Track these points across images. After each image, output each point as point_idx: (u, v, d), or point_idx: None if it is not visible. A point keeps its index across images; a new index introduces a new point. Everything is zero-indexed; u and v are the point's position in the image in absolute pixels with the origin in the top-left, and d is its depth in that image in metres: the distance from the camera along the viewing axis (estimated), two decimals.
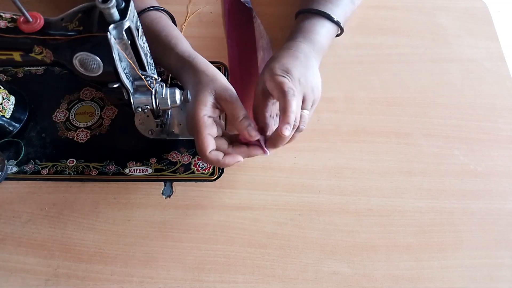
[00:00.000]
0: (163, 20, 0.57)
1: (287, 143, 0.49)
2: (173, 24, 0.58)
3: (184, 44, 0.54)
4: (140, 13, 0.56)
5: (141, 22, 0.53)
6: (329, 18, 0.57)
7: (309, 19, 0.57)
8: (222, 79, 0.50)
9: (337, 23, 0.58)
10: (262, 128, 0.51)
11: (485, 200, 0.54)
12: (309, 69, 0.51)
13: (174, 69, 0.54)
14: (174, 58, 0.53)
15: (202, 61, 0.52)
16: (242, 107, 0.48)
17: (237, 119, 0.48)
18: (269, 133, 0.50)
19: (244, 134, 0.48)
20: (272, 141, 0.49)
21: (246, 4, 0.66)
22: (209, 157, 0.47)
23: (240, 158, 0.49)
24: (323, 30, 0.56)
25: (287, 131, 0.45)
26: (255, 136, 0.48)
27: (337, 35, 0.61)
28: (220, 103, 0.49)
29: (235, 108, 0.48)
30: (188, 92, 0.51)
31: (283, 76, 0.48)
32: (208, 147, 0.47)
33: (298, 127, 0.48)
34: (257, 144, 0.49)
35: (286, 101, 0.45)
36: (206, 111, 0.48)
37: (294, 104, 0.46)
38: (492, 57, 0.65)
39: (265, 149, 0.49)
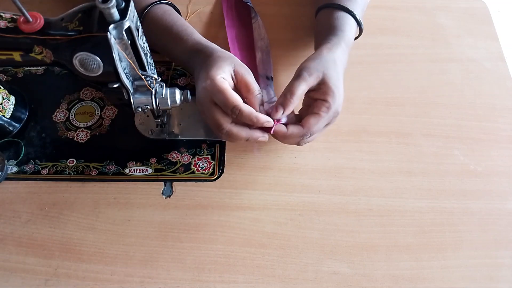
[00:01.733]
0: (175, 13, 0.58)
1: (284, 141, 0.50)
2: None
3: (199, 34, 0.55)
4: (152, 4, 0.56)
5: (152, 13, 0.53)
6: (355, 18, 0.57)
7: (338, 16, 0.56)
8: (239, 59, 0.51)
9: (359, 23, 0.57)
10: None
11: (485, 200, 0.54)
12: (339, 88, 0.50)
13: (187, 55, 0.54)
14: (190, 44, 0.53)
15: (220, 47, 0.53)
16: (257, 84, 0.50)
17: (253, 93, 0.49)
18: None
19: (256, 108, 0.49)
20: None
21: (248, 3, 0.66)
22: (242, 107, 0.46)
23: (271, 122, 0.48)
24: (353, 31, 0.56)
25: (278, 114, 0.48)
26: (266, 111, 0.49)
27: (356, 38, 0.60)
28: (237, 76, 0.49)
29: (252, 83, 0.49)
30: (188, 92, 0.51)
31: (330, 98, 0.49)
32: (238, 99, 0.47)
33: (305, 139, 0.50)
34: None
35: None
36: (225, 75, 0.48)
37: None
38: (492, 57, 0.65)
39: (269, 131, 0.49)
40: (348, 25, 0.56)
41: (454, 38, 0.67)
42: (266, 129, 0.49)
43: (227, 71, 0.48)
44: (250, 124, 0.48)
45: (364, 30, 0.59)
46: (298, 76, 0.49)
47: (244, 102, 0.48)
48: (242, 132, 0.48)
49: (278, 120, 0.49)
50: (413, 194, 0.54)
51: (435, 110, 0.60)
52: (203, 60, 0.50)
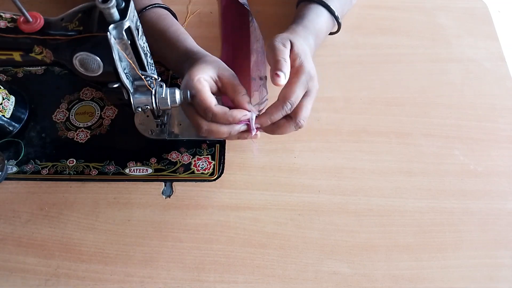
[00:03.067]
0: (170, 17, 0.58)
1: (278, 131, 0.49)
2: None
3: (192, 40, 0.56)
4: (147, 8, 0.56)
5: (147, 17, 0.53)
6: (329, 10, 0.57)
7: (309, 7, 0.57)
8: (225, 65, 0.51)
9: (336, 17, 0.58)
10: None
11: (485, 200, 0.54)
12: (307, 55, 0.50)
13: (179, 61, 0.54)
14: (182, 51, 0.54)
15: (211, 54, 0.53)
16: (242, 87, 0.50)
17: (238, 94, 0.48)
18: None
19: (244, 107, 0.48)
20: (263, 119, 0.49)
21: (245, 5, 0.66)
22: (214, 110, 0.46)
23: (248, 114, 0.48)
24: (321, 20, 0.57)
25: (281, 79, 0.46)
26: (253, 110, 0.49)
27: (333, 33, 0.61)
28: (222, 80, 0.49)
29: (237, 84, 0.49)
30: (188, 92, 0.51)
31: (285, 46, 0.49)
32: (212, 100, 0.47)
33: (296, 120, 0.48)
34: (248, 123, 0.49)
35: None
36: (205, 76, 0.48)
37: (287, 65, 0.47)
38: (492, 57, 0.65)
39: (253, 127, 0.49)
40: (315, 14, 0.56)
41: (454, 38, 0.67)
42: (248, 130, 0.49)
43: (208, 73, 0.48)
44: (227, 123, 0.48)
45: (364, 30, 0.59)
46: (272, 45, 0.49)
47: (229, 106, 0.48)
48: (223, 128, 0.48)
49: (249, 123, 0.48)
50: (413, 194, 0.54)
51: (435, 110, 0.60)
52: (190, 66, 0.51)
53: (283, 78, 0.46)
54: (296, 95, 0.47)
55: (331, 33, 0.62)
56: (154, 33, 0.55)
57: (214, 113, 0.46)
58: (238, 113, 0.47)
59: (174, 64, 0.56)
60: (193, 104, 0.48)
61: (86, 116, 0.58)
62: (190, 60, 0.52)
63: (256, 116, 0.49)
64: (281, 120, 0.49)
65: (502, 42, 0.67)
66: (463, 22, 0.69)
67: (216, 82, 0.50)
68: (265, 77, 0.59)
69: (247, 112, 0.48)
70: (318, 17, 0.57)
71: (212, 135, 0.49)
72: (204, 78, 0.48)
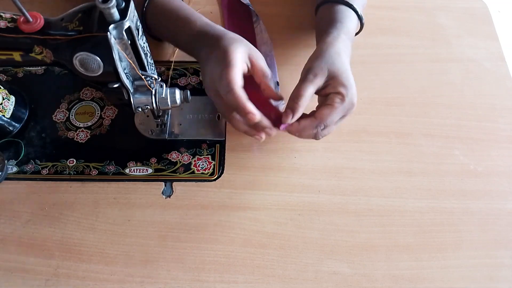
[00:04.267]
0: None
1: (297, 135, 0.50)
2: None
3: (206, 18, 0.54)
4: None
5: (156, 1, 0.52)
6: (355, 11, 0.56)
7: (339, 10, 0.56)
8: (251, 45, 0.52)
9: (360, 18, 0.57)
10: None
11: (485, 200, 0.54)
12: (352, 84, 0.49)
13: (194, 38, 0.53)
14: (199, 26, 0.52)
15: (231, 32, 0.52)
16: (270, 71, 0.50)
17: (266, 77, 0.49)
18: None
19: (269, 92, 0.49)
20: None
21: (249, 7, 0.66)
22: (236, 92, 0.45)
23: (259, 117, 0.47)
24: (353, 23, 0.56)
25: (288, 119, 0.47)
26: (278, 97, 0.50)
27: (356, 33, 0.59)
28: (252, 59, 0.49)
29: (265, 67, 0.50)
30: (188, 92, 0.51)
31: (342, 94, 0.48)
32: (238, 81, 0.46)
33: (318, 135, 0.50)
34: (273, 113, 0.49)
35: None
36: (241, 53, 0.48)
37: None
38: (492, 57, 0.65)
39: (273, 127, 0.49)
40: (348, 18, 0.55)
41: (454, 38, 0.67)
42: (276, 124, 0.49)
43: (243, 53, 0.48)
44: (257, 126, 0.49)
45: (364, 30, 0.59)
46: (303, 78, 0.49)
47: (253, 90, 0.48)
48: (243, 125, 0.49)
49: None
50: (413, 194, 0.54)
51: (435, 110, 0.60)
52: (214, 42, 0.50)
53: (290, 119, 0.48)
54: (332, 120, 0.48)
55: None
56: (167, 11, 0.54)
57: (234, 96, 0.45)
58: (267, 123, 0.48)
59: (187, 41, 0.54)
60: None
61: (86, 116, 0.58)
62: (209, 35, 0.51)
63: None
64: (302, 125, 0.49)
65: (502, 42, 0.67)
66: (463, 22, 0.69)
67: (247, 63, 0.49)
68: (277, 82, 0.59)
69: (272, 129, 0.49)
70: (351, 21, 0.55)
71: (231, 123, 0.50)
72: (241, 56, 0.47)
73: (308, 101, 0.48)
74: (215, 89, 0.48)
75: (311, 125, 0.48)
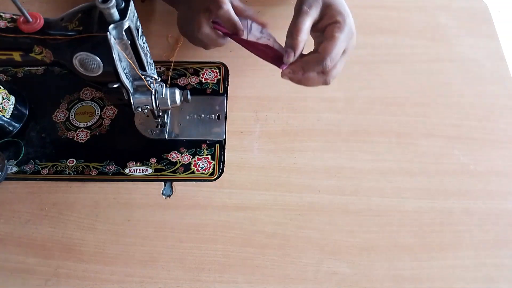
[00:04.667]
0: None
1: (305, 82, 0.47)
2: None
3: None
4: None
5: None
6: None
7: None
8: None
9: None
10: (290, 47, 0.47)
11: (485, 200, 0.54)
12: (348, 11, 0.47)
13: None
14: None
15: None
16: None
17: (246, 10, 0.50)
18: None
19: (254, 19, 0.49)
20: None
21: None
22: (225, 8, 0.45)
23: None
24: None
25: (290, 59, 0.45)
26: (260, 22, 0.50)
27: None
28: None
29: (241, 4, 0.50)
30: (188, 92, 0.51)
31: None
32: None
33: (327, 77, 0.47)
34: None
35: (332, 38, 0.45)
36: None
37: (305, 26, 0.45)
38: (492, 56, 0.65)
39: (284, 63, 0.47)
40: None
41: (454, 38, 0.67)
42: (279, 63, 0.47)
43: None
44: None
45: (364, 30, 0.59)
46: (298, 11, 0.46)
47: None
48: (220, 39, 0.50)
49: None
50: (413, 194, 0.54)
51: (435, 110, 0.60)
52: None
53: (292, 57, 0.45)
54: (337, 52, 0.45)
55: None
56: None
57: (223, 13, 0.46)
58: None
59: None
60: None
61: (86, 116, 0.58)
62: None
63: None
64: (312, 72, 0.46)
65: (502, 42, 0.67)
66: (463, 22, 0.69)
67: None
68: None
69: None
70: None
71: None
72: None
73: (307, 35, 0.46)
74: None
75: (316, 62, 0.45)
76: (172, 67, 0.62)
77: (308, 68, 0.46)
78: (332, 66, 0.46)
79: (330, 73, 0.46)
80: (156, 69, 0.50)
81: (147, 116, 0.57)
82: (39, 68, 0.62)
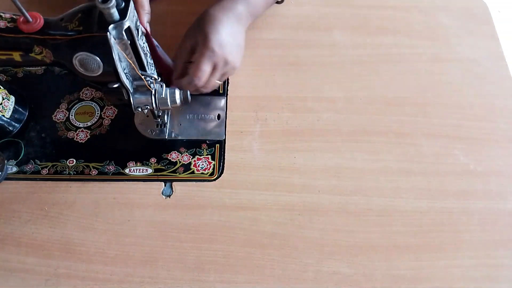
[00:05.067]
0: None
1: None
2: None
3: None
4: None
5: None
6: None
7: None
8: None
9: None
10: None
11: (485, 200, 0.54)
12: (232, 37, 0.52)
13: None
14: None
15: None
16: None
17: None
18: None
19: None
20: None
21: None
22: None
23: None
24: None
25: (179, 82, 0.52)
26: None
27: (279, 2, 0.62)
28: None
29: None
30: (188, 92, 0.51)
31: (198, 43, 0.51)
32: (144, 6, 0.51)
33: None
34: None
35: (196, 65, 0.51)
36: None
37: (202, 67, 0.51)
38: (492, 56, 0.65)
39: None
40: None
41: (454, 38, 0.67)
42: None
43: None
44: None
45: (364, 30, 0.59)
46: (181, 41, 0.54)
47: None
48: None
49: None
50: (413, 194, 0.54)
51: (435, 110, 0.60)
52: None
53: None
54: (202, 71, 0.50)
55: (277, 2, 0.63)
56: None
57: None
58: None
59: None
60: None
61: (86, 116, 0.58)
62: None
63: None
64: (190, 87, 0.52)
65: (502, 42, 0.67)
66: (463, 22, 0.69)
67: None
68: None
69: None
70: None
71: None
72: None
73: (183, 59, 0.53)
74: None
75: (188, 82, 0.51)
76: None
77: (186, 87, 0.52)
78: (202, 83, 0.52)
79: (206, 87, 0.53)
80: (156, 69, 0.50)
81: (147, 116, 0.57)
82: (39, 68, 0.62)
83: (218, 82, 0.54)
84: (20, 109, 0.57)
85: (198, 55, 0.51)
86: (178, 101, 0.50)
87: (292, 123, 0.58)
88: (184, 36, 0.54)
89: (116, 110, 0.59)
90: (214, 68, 0.52)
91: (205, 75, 0.51)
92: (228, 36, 0.52)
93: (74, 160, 0.55)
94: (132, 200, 0.53)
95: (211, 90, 0.55)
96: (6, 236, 0.51)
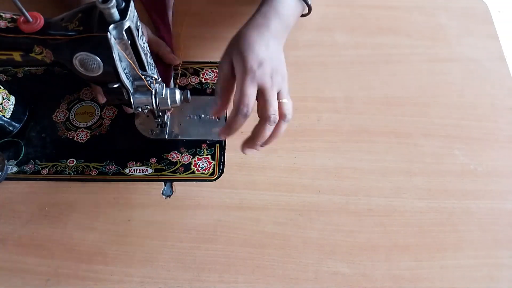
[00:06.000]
0: None
1: (272, 136, 0.47)
2: None
3: None
4: None
5: None
6: None
7: None
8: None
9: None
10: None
11: (485, 200, 0.54)
12: (270, 53, 0.48)
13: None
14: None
15: None
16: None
17: (161, 46, 0.60)
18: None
19: (169, 57, 0.59)
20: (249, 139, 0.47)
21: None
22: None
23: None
24: (290, 4, 0.54)
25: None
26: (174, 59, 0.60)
27: (304, 15, 0.60)
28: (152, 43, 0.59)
29: (159, 39, 0.61)
30: (188, 92, 0.51)
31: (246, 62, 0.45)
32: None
33: (267, 120, 0.45)
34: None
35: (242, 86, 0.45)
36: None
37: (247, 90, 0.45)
38: (492, 56, 0.65)
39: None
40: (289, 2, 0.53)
41: (454, 38, 0.67)
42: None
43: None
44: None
45: (364, 30, 0.59)
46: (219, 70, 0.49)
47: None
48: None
49: None
50: (413, 194, 0.54)
51: (435, 110, 0.60)
52: None
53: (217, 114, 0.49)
54: (247, 96, 0.44)
55: (302, 15, 0.61)
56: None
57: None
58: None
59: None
60: None
61: (86, 116, 0.58)
62: None
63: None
64: (257, 126, 0.46)
65: (502, 42, 0.67)
66: (463, 22, 0.69)
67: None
68: None
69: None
70: (283, 1, 0.53)
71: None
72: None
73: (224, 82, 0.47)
74: None
75: (234, 116, 0.45)
76: (179, 70, 0.62)
77: (234, 124, 0.45)
78: (250, 109, 0.45)
79: (267, 112, 0.45)
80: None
81: (147, 116, 0.57)
82: (39, 68, 0.62)
83: (285, 101, 0.47)
84: (20, 109, 0.57)
85: (238, 80, 0.45)
86: (178, 101, 0.49)
87: (292, 123, 0.58)
88: (220, 61, 0.48)
89: (116, 110, 0.59)
90: (262, 89, 0.45)
91: (252, 100, 0.45)
92: (265, 53, 0.47)
93: (74, 160, 0.55)
94: (132, 200, 0.53)
95: (285, 127, 0.47)
96: (6, 236, 0.51)
